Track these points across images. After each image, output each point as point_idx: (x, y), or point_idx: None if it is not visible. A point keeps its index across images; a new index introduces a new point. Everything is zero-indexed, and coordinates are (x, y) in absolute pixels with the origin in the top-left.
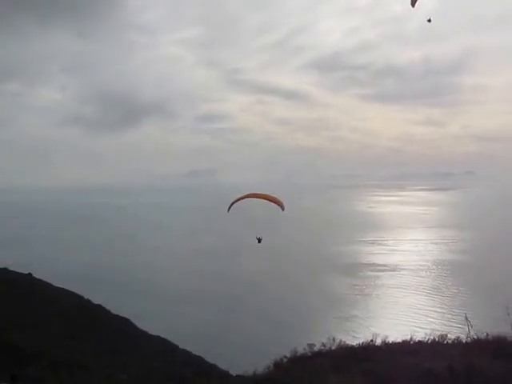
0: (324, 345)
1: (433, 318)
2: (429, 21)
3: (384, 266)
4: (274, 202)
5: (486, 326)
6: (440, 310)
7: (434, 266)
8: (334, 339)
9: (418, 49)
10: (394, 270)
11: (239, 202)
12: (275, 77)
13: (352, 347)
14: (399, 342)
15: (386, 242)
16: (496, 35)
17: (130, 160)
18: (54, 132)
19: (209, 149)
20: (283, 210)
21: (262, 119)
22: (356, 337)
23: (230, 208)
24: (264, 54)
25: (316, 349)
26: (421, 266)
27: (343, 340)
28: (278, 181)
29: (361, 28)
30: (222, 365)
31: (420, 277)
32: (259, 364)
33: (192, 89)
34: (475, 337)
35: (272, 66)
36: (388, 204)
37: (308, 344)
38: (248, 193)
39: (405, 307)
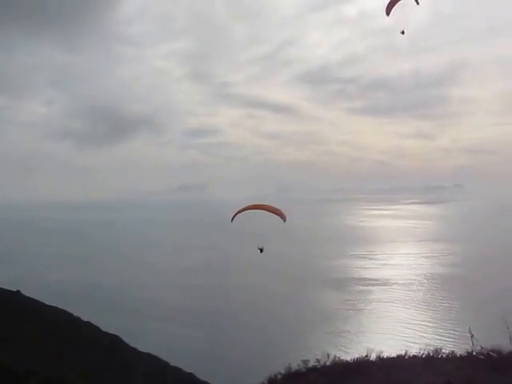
0: (318, 360)
1: (425, 332)
2: (402, 33)
3: (375, 280)
4: (276, 214)
5: (478, 339)
6: (432, 324)
7: (425, 280)
8: (328, 355)
9: (408, 61)
10: (385, 285)
11: (239, 214)
12: (265, 90)
13: (347, 363)
14: (394, 357)
15: (377, 256)
16: (484, 47)
17: (119, 175)
18: (41, 146)
19: (199, 163)
20: (285, 221)
21: (251, 133)
22: (349, 352)
23: (233, 218)
24: (253, 67)
25: (310, 365)
26: (412, 280)
27: (337, 355)
28: (268, 195)
29: (349, 40)
30: (214, 382)
31: (411, 291)
32: (252, 381)
33: (180, 102)
34: (470, 350)
35: (261, 80)
36: (379, 218)
37: (302, 360)
38: (248, 205)
39: (397, 322)
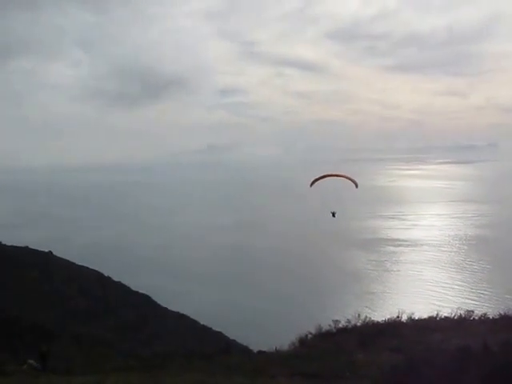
0: (349, 321)
1: (456, 293)
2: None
3: (405, 241)
4: (350, 180)
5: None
6: (463, 286)
7: (456, 241)
8: (359, 315)
9: (441, 16)
10: (415, 246)
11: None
12: (292, 48)
13: (378, 324)
14: (425, 319)
15: (406, 217)
16: None
17: (150, 136)
18: (70, 108)
19: (227, 123)
20: (357, 187)
21: (279, 92)
22: (380, 313)
23: (312, 184)
24: (281, 24)
25: (341, 325)
26: (442, 241)
27: (368, 316)
28: (297, 156)
29: None
30: (242, 341)
31: (442, 252)
32: (283, 341)
33: (208, 62)
34: (503, 313)
35: (289, 37)
36: (409, 178)
37: (333, 320)
38: (325, 173)
39: (427, 283)
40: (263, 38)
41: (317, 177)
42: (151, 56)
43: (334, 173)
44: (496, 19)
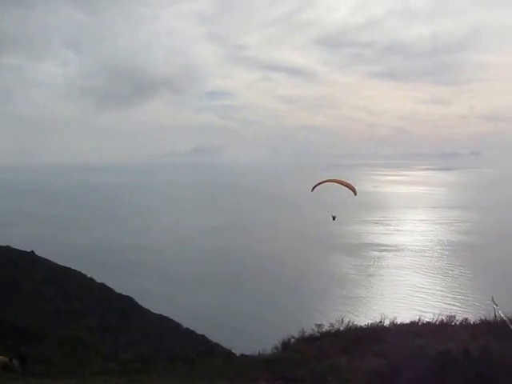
0: (332, 326)
1: (437, 298)
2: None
3: (388, 246)
4: (348, 187)
5: (491, 308)
6: (444, 291)
7: (438, 247)
8: (342, 320)
9: (426, 25)
10: (398, 251)
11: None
12: (280, 53)
13: (361, 328)
14: (408, 323)
15: (389, 222)
16: (503, 13)
17: (137, 136)
18: (58, 107)
19: (213, 126)
20: (355, 194)
21: (266, 97)
22: (363, 317)
23: (313, 188)
24: (269, 29)
25: (324, 329)
26: (424, 246)
27: (351, 321)
28: (283, 160)
29: (367, 3)
30: (227, 345)
31: (424, 257)
32: (266, 345)
33: (197, 64)
34: (484, 318)
35: (277, 42)
36: (392, 184)
37: (316, 325)
38: (326, 178)
39: (409, 288)
40: (252, 42)
41: (319, 181)
42: (141, 57)
43: (335, 179)
44: (479, 30)
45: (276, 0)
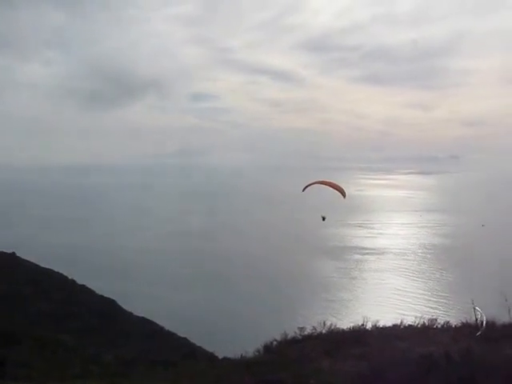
0: (315, 328)
1: (419, 301)
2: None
3: (371, 249)
4: (337, 190)
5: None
6: (426, 294)
7: (420, 250)
8: (324, 323)
9: (409, 31)
10: (380, 254)
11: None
12: (265, 56)
13: (343, 331)
14: (390, 327)
15: (373, 226)
16: (485, 19)
17: (122, 138)
18: (43, 107)
19: (199, 129)
20: (344, 197)
21: (252, 100)
22: (345, 320)
23: (304, 189)
24: (255, 32)
25: (306, 332)
26: (407, 249)
27: (334, 324)
28: (267, 162)
29: (352, 8)
30: (209, 348)
31: (406, 260)
32: (248, 348)
33: (183, 67)
34: (465, 321)
35: (262, 46)
36: (375, 187)
37: (299, 327)
38: (317, 180)
39: (391, 291)
40: (238, 45)
41: (310, 182)
42: (127, 58)
43: (325, 180)
44: (463, 36)
45: (263, 4)
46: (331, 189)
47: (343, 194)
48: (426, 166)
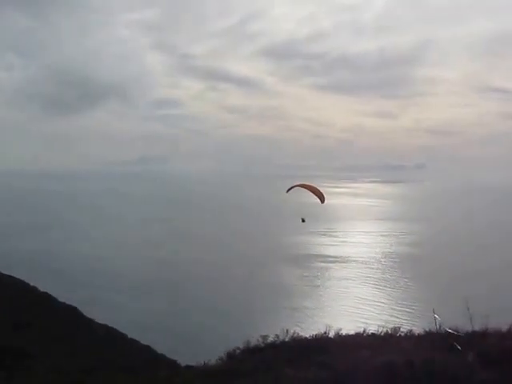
0: (278, 336)
1: (382, 310)
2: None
3: (334, 257)
4: (316, 195)
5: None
6: (389, 303)
7: (384, 259)
8: (287, 331)
9: (373, 39)
10: (343, 262)
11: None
12: (228, 63)
13: (305, 339)
14: (353, 335)
15: (336, 234)
16: (449, 29)
17: (84, 144)
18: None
19: (160, 135)
20: (323, 202)
21: (214, 106)
22: (308, 328)
23: (288, 190)
24: (217, 39)
25: (269, 340)
26: (370, 258)
27: (296, 332)
28: (229, 169)
29: (316, 16)
30: (171, 356)
31: (369, 269)
32: (210, 356)
33: (144, 73)
34: (428, 329)
35: (225, 52)
36: (339, 195)
37: (261, 336)
38: (300, 183)
39: (355, 299)
40: (199, 51)
41: (293, 185)
42: (89, 64)
43: (307, 184)
44: (425, 45)
45: (225, 11)
46: (310, 193)
47: (322, 199)
48: (392, 174)
